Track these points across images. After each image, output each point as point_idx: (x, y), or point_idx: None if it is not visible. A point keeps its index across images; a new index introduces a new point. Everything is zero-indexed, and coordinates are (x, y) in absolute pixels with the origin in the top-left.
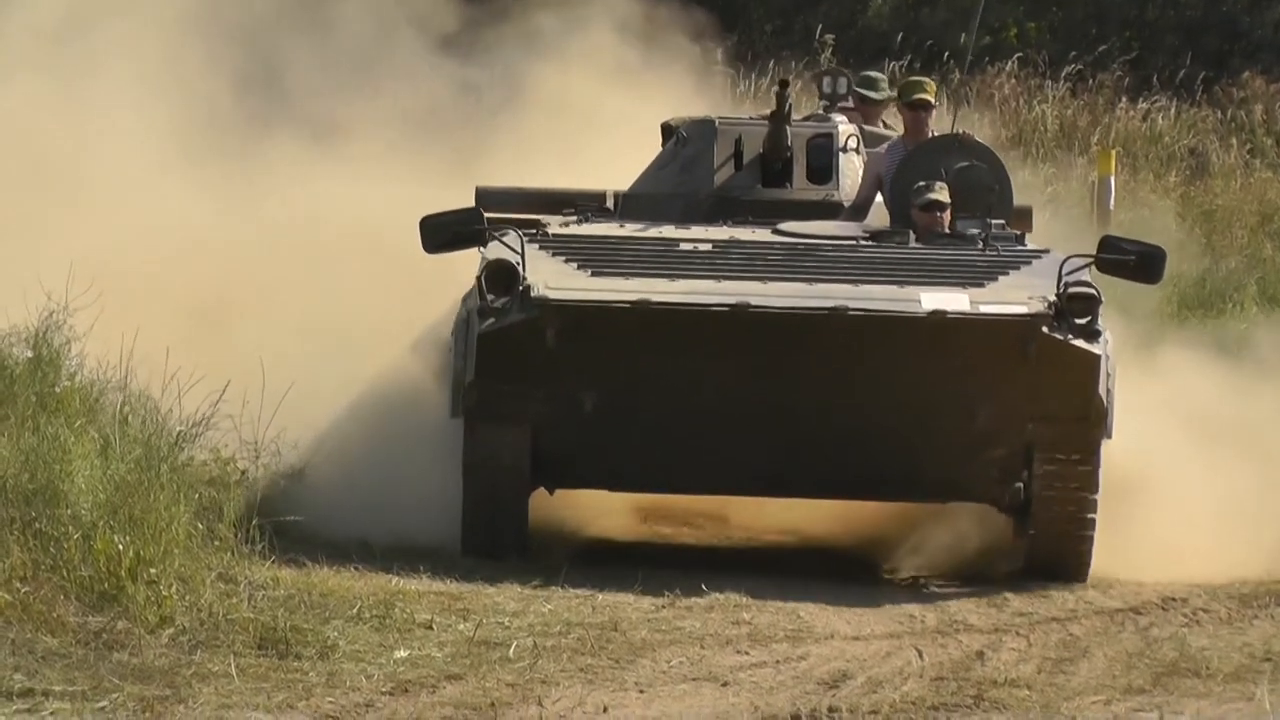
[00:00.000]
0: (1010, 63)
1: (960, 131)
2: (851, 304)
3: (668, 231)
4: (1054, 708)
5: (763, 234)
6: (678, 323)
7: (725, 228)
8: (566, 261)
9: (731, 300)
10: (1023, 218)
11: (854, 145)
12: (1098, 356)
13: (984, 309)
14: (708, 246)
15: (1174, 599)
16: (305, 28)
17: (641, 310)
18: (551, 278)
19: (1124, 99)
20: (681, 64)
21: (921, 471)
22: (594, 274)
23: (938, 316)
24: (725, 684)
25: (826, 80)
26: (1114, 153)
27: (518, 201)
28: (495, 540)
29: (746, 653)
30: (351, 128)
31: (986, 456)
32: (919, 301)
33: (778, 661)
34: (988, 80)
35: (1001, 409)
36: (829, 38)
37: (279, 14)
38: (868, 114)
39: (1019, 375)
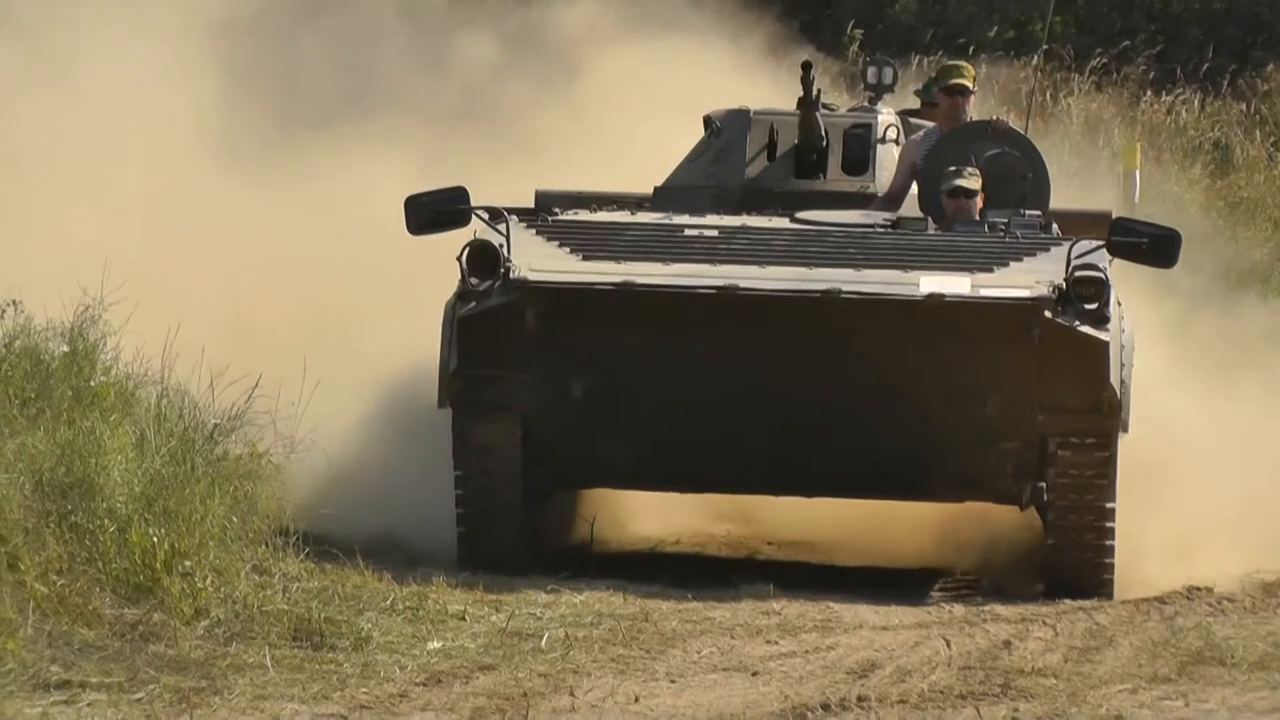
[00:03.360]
0: (1036, 56)
1: (994, 118)
2: (846, 286)
3: (676, 219)
4: (1080, 696)
5: (779, 222)
6: (665, 306)
7: (740, 216)
8: (560, 246)
9: (719, 283)
10: (1100, 223)
11: (893, 136)
12: (1105, 343)
13: (984, 292)
14: (714, 233)
15: (1198, 589)
16: (337, 19)
17: (626, 293)
18: (537, 260)
19: (1149, 92)
20: (724, 56)
21: (931, 466)
22: (585, 258)
23: (935, 300)
24: (755, 674)
25: (871, 70)
26: (1139, 145)
27: (576, 203)
28: (494, 545)
29: (776, 643)
30: (386, 121)
31: (998, 450)
32: (917, 285)
33: (807, 651)
34: (1014, 73)
35: (1009, 399)
36: (857, 32)
37: (312, 6)
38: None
39: (1025, 363)
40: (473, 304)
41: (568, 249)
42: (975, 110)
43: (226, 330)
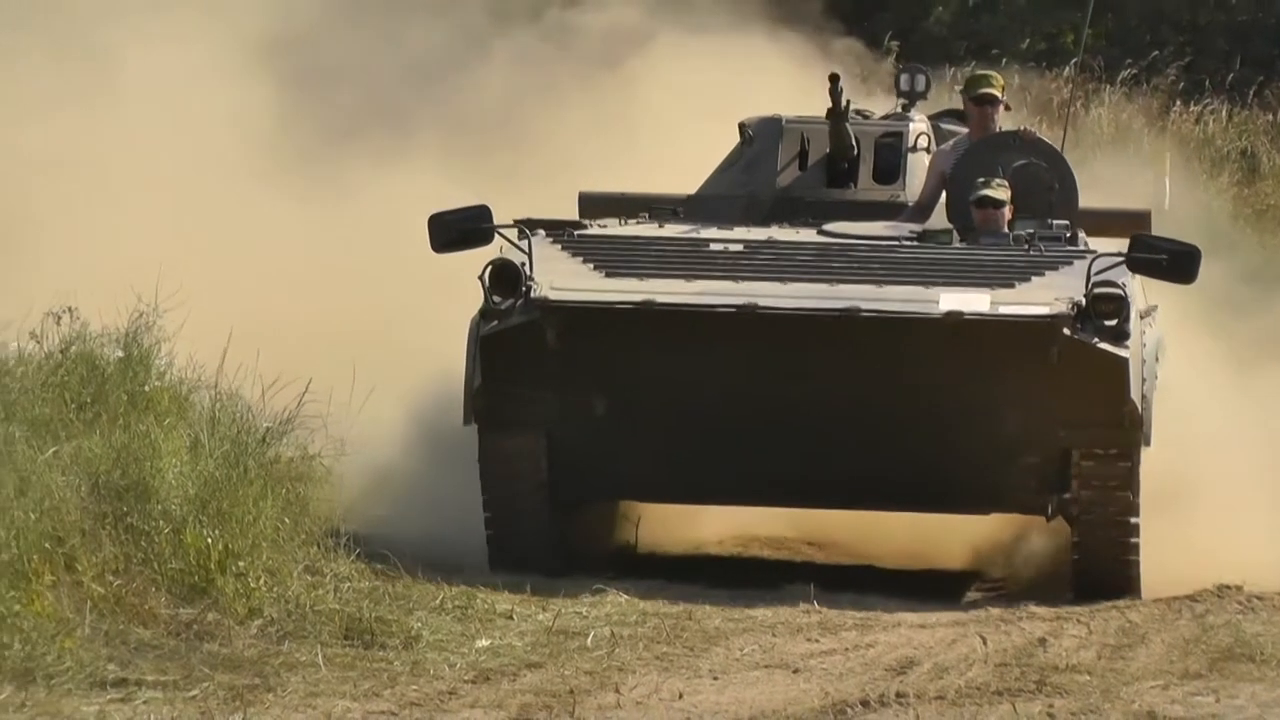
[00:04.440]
0: (1067, 68)
1: (1021, 128)
2: (865, 305)
3: (703, 232)
4: (1113, 692)
5: (806, 234)
6: (685, 324)
7: (766, 229)
8: (584, 262)
9: (740, 301)
10: (1142, 223)
11: (925, 145)
12: (1124, 360)
13: (1003, 310)
14: (739, 247)
15: (1229, 587)
16: (380, 31)
17: (646, 311)
18: (559, 278)
19: (1178, 102)
20: (770, 59)
21: (954, 480)
22: (608, 274)
23: (954, 318)
24: (796, 671)
25: (904, 77)
26: (1168, 155)
27: (620, 206)
28: (523, 559)
29: (817, 640)
30: (429, 131)
31: (1021, 464)
32: (936, 302)
33: (847, 649)
34: (1045, 85)
35: (1031, 414)
36: (894, 43)
37: (358, 20)
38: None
39: (1045, 379)
40: (495, 323)
41: (591, 265)
42: (1009, 120)
43: (276, 337)
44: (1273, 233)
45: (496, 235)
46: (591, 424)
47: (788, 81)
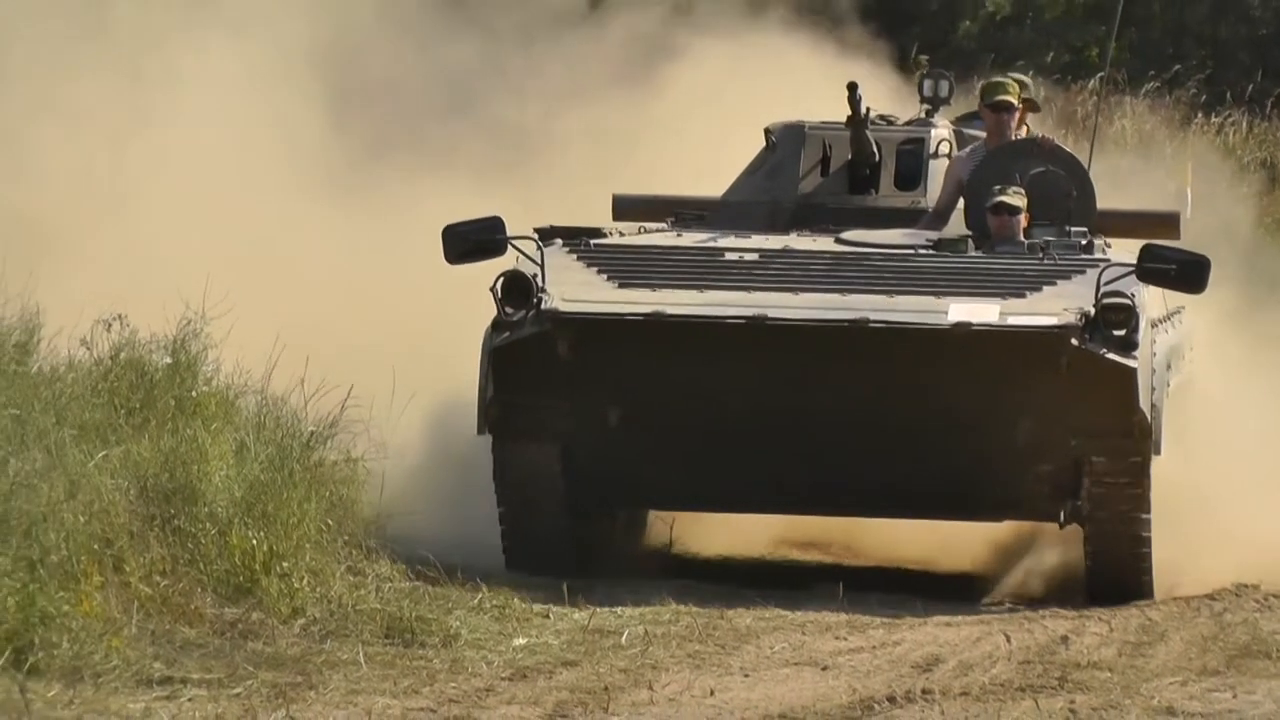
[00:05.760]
0: (1092, 80)
1: (1040, 135)
2: (874, 316)
3: (720, 241)
4: (1133, 689)
5: (823, 243)
6: (695, 335)
7: (783, 237)
8: (598, 273)
9: (750, 312)
10: (1170, 224)
11: (946, 151)
12: (1133, 370)
13: (1011, 320)
14: (754, 256)
15: (1246, 585)
16: (429, 44)
17: (656, 323)
18: (571, 290)
19: (1199, 114)
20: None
21: (967, 488)
22: (621, 285)
23: (962, 329)
24: (825, 668)
25: (927, 83)
26: (1189, 165)
27: (653, 209)
28: (539, 567)
29: (845, 638)
30: (474, 141)
31: (1034, 473)
32: (945, 313)
33: (874, 647)
34: (1070, 97)
35: (1042, 423)
36: (923, 58)
37: (402, 34)
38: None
39: (1055, 389)
40: (506, 334)
41: (605, 276)
42: (1038, 124)
43: (320, 344)
44: None
45: (510, 246)
46: (605, 434)
47: (830, 85)
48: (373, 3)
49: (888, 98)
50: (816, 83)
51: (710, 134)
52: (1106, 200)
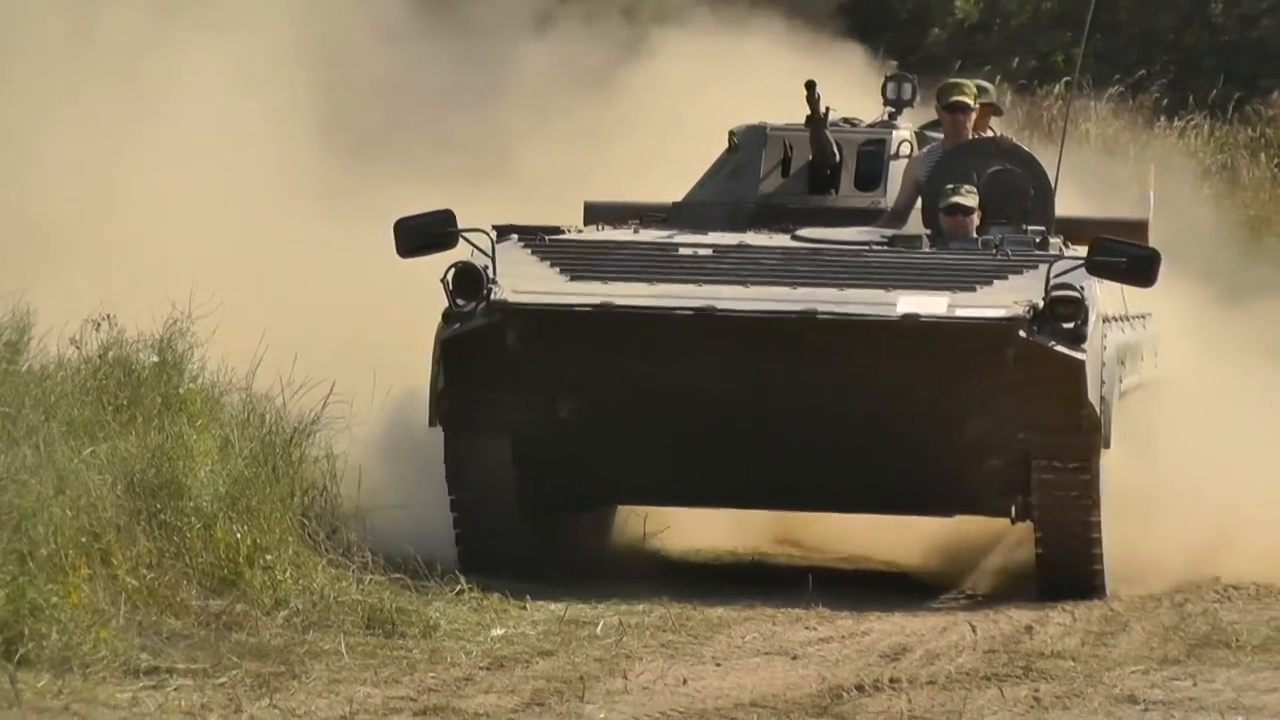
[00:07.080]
0: (1058, 85)
1: (998, 135)
2: (823, 307)
3: (676, 237)
4: (1096, 677)
5: (779, 239)
6: (644, 327)
7: (740, 234)
8: (550, 266)
9: (699, 304)
10: (1139, 232)
11: (907, 152)
12: (1081, 362)
13: (959, 312)
14: (708, 251)
15: (1206, 578)
16: (418, 48)
17: (605, 314)
18: (522, 282)
19: (1162, 118)
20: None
21: (917, 483)
22: (573, 278)
23: (910, 320)
24: (795, 657)
25: (890, 86)
26: (1151, 168)
27: (626, 215)
28: (493, 561)
29: (814, 629)
30: (460, 153)
31: (984, 467)
32: (894, 305)
33: (843, 636)
34: (1036, 101)
35: (991, 417)
36: (892, 62)
37: (393, 38)
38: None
39: (1003, 381)
40: (456, 325)
41: (558, 269)
42: (1002, 127)
43: (304, 343)
44: (1255, 240)
45: (462, 239)
46: (556, 427)
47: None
48: (361, 6)
49: (860, 104)
50: (793, 87)
51: (707, 137)
52: (1070, 203)
